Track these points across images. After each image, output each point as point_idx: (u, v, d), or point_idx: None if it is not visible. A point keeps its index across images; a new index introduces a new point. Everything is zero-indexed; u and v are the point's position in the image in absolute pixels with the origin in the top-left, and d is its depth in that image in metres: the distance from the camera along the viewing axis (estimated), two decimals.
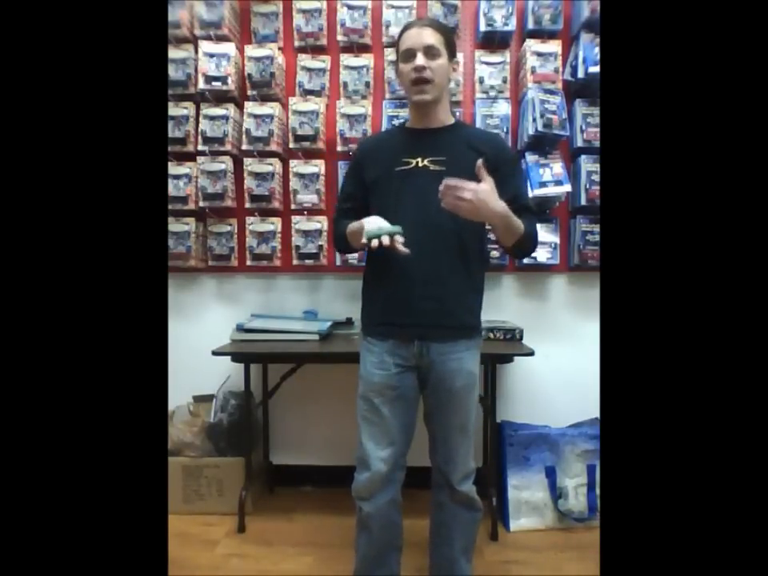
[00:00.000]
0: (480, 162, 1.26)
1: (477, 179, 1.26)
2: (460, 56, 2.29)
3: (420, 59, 1.38)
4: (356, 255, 2.24)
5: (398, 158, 1.43)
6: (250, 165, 2.30)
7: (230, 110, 2.27)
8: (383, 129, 2.25)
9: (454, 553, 1.53)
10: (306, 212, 2.34)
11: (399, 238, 1.30)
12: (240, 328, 2.23)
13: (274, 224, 2.35)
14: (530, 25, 2.23)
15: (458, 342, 1.42)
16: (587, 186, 2.20)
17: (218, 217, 2.38)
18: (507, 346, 2.10)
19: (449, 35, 1.44)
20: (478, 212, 1.24)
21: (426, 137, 1.45)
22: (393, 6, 2.27)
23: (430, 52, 1.38)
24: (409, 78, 1.40)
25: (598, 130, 2.19)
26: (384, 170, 1.44)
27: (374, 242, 1.28)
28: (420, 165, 1.41)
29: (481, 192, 1.22)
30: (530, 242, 1.43)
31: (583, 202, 2.22)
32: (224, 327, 2.28)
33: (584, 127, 2.21)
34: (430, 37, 1.39)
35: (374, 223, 1.34)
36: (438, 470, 1.50)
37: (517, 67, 2.33)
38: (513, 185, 1.43)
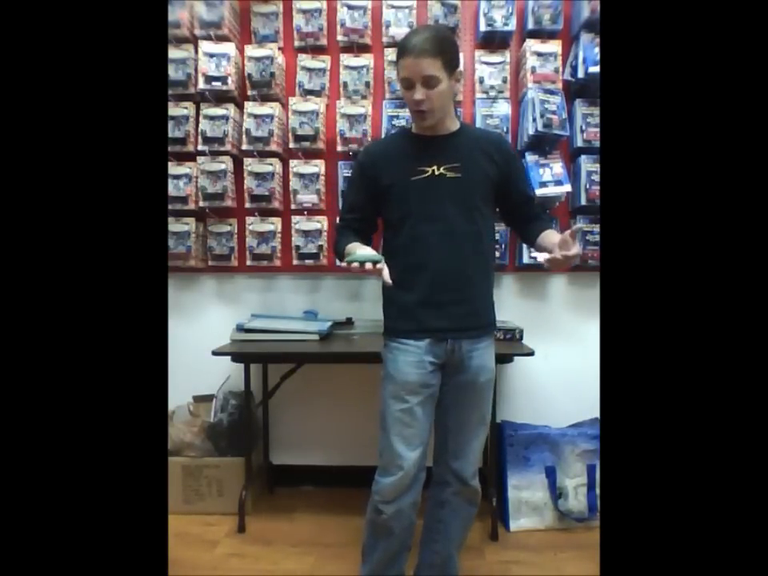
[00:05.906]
0: (570, 232, 1.30)
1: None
2: (460, 56, 2.32)
3: (419, 92, 1.35)
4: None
5: (413, 167, 1.43)
6: (250, 165, 2.30)
7: (230, 110, 2.27)
8: (383, 130, 2.25)
9: (450, 549, 1.54)
10: (306, 212, 2.34)
11: (384, 268, 1.30)
12: (240, 328, 2.23)
13: (274, 224, 2.35)
14: (530, 25, 2.23)
15: (482, 338, 1.48)
16: (587, 186, 2.20)
17: (218, 217, 2.37)
18: (507, 346, 2.09)
19: (448, 53, 1.36)
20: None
21: (437, 144, 1.46)
22: (393, 6, 2.27)
23: (428, 83, 1.35)
24: (410, 107, 1.42)
25: (597, 130, 2.19)
26: (399, 178, 1.44)
27: (355, 264, 1.28)
28: (436, 173, 1.42)
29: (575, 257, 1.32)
30: None
31: (583, 201, 2.22)
32: (224, 327, 2.28)
33: (584, 127, 2.21)
34: (428, 67, 1.33)
35: (360, 249, 1.35)
36: (447, 466, 1.49)
37: (517, 67, 2.33)
38: (522, 184, 1.57)
